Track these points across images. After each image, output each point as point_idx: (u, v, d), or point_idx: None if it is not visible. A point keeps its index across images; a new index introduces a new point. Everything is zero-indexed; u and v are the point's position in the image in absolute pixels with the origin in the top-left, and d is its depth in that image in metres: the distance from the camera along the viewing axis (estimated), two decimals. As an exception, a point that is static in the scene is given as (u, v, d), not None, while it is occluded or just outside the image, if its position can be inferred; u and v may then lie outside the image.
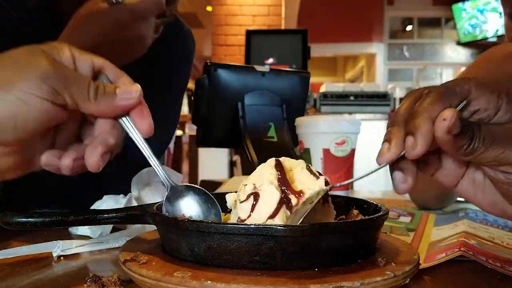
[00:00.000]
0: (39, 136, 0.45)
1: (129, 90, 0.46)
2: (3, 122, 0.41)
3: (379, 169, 0.40)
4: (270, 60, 3.10)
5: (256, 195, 0.42)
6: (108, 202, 0.64)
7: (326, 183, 0.43)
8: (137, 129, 0.46)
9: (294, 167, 0.45)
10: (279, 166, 0.44)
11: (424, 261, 0.48)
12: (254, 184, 0.43)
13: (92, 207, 0.63)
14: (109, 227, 0.59)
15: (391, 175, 0.40)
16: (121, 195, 0.66)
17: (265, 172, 0.43)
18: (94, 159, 0.44)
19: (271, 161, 0.44)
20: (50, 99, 0.42)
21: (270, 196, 0.42)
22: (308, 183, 0.43)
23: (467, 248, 0.48)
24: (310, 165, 0.45)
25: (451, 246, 0.51)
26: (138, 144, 0.46)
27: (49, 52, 0.44)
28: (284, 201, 0.41)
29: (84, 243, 0.54)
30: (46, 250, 0.51)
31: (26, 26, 0.76)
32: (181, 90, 1.04)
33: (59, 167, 0.45)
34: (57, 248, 0.51)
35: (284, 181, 0.43)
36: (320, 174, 0.44)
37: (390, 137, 0.39)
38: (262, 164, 0.45)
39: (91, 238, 0.58)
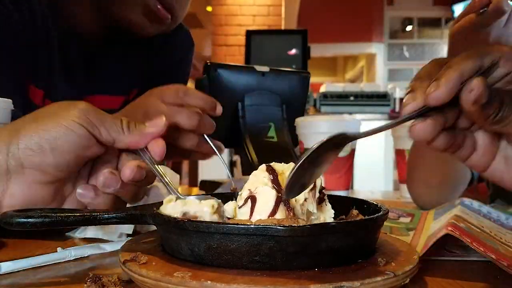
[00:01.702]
0: (74, 171, 0.50)
1: (156, 122, 0.52)
2: (44, 144, 0.46)
3: (403, 121, 0.38)
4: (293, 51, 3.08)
5: (253, 198, 0.43)
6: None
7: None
8: (152, 152, 0.52)
9: (286, 170, 0.46)
10: (270, 170, 0.45)
11: (421, 251, 0.48)
12: (249, 189, 0.44)
13: None
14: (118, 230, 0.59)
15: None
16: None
17: (258, 176, 0.45)
18: (128, 170, 0.50)
19: (262, 166, 0.46)
20: (87, 127, 0.48)
21: (267, 196, 0.43)
22: None
23: (454, 228, 0.48)
24: None
25: (440, 229, 0.51)
26: (151, 167, 0.52)
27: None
28: (281, 199, 0.42)
29: (93, 246, 0.54)
30: (60, 260, 0.50)
31: (29, 31, 0.76)
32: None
33: (91, 201, 0.50)
34: (70, 256, 0.51)
35: (277, 183, 0.44)
36: None
37: (414, 87, 0.38)
38: (254, 172, 0.46)
39: (96, 240, 0.58)
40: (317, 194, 0.46)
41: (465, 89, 0.35)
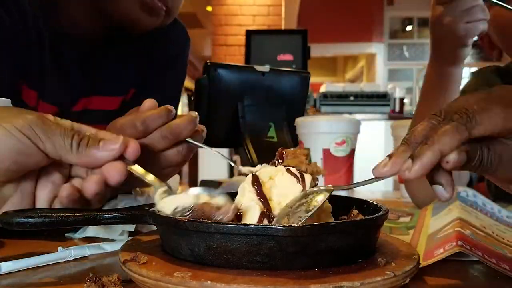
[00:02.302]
0: (15, 177, 0.48)
1: (110, 144, 0.48)
2: None
3: (374, 181, 0.41)
4: (288, 57, 3.07)
5: (239, 217, 0.44)
6: (125, 201, 0.64)
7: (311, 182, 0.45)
8: (107, 176, 0.49)
9: (275, 174, 0.46)
10: (255, 181, 0.45)
11: (424, 258, 0.48)
12: (237, 207, 0.45)
13: (105, 207, 0.63)
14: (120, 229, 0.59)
15: (431, 186, 0.42)
16: (139, 195, 0.65)
17: (245, 190, 0.46)
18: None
19: (249, 178, 0.46)
20: (29, 137, 0.46)
21: (252, 212, 0.44)
22: (288, 188, 0.45)
23: (464, 241, 0.48)
24: (290, 167, 0.47)
25: (448, 239, 0.51)
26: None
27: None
28: (265, 214, 0.43)
29: (94, 245, 0.54)
30: (60, 260, 0.50)
31: (20, 32, 0.75)
32: (178, 87, 1.03)
33: (82, 193, 0.49)
34: (71, 256, 0.51)
35: (262, 195, 0.45)
36: (302, 174, 0.46)
37: (393, 154, 0.40)
38: (242, 184, 0.47)
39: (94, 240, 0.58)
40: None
41: (443, 160, 0.39)
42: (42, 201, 0.50)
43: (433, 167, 0.39)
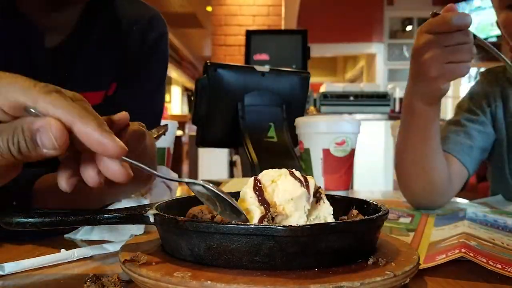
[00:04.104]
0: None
1: (48, 137, 0.39)
2: None
3: None
4: (264, 56, 3.09)
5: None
6: (131, 203, 0.63)
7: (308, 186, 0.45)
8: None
9: (277, 177, 0.46)
10: (256, 186, 0.45)
11: (424, 261, 0.48)
12: None
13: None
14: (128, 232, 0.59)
15: None
16: (141, 197, 0.65)
17: (247, 195, 0.45)
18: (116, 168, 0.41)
19: (251, 182, 0.46)
20: None
21: (252, 215, 0.44)
22: (291, 192, 0.45)
23: (468, 249, 0.48)
24: (293, 170, 0.47)
25: (451, 247, 0.51)
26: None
27: None
28: (266, 216, 0.43)
29: (96, 246, 0.54)
30: (63, 260, 0.50)
31: None
32: (160, 79, 0.97)
33: (84, 181, 0.43)
34: (74, 256, 0.51)
35: (263, 200, 0.44)
36: (306, 178, 0.46)
37: None
38: (243, 188, 0.46)
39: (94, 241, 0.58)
40: (311, 200, 0.46)
41: None
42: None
43: None
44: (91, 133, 0.39)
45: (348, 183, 0.94)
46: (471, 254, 0.47)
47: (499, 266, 0.45)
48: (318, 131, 0.92)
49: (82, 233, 0.60)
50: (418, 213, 0.82)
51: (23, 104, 0.39)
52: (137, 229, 0.60)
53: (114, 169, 0.41)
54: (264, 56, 3.10)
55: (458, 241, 0.54)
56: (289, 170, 0.47)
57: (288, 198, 0.44)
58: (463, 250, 0.47)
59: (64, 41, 0.81)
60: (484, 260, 0.46)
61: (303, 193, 0.45)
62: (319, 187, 0.47)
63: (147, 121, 0.96)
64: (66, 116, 0.39)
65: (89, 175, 0.41)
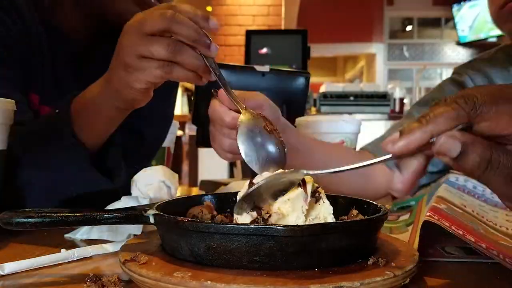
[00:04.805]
0: None
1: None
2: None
3: (375, 163, 0.40)
4: (264, 50, 3.10)
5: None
6: (131, 203, 0.63)
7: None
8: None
9: None
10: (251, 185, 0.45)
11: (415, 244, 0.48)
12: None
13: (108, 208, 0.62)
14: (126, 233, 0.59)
15: (392, 168, 0.40)
16: (141, 196, 0.65)
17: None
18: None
19: (246, 186, 0.46)
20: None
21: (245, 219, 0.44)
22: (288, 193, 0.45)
23: (434, 212, 0.48)
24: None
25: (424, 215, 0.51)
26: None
27: None
28: (256, 220, 0.43)
29: (96, 246, 0.54)
30: (63, 260, 0.50)
31: (16, 28, 0.75)
32: (171, 85, 0.99)
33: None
34: (73, 256, 0.51)
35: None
36: (303, 179, 0.45)
37: (404, 129, 0.38)
38: (240, 192, 0.47)
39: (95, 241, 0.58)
40: (309, 199, 0.46)
41: (434, 142, 0.36)
42: None
43: (420, 147, 0.36)
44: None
45: (347, 183, 0.94)
46: (436, 217, 0.46)
47: (460, 232, 0.44)
48: (318, 131, 0.92)
49: (82, 233, 0.61)
50: (415, 204, 0.82)
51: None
52: (136, 229, 0.60)
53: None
54: (266, 50, 3.11)
55: (429, 206, 0.53)
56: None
57: (285, 199, 0.44)
58: (427, 214, 0.47)
59: (84, 49, 0.83)
60: (447, 224, 0.45)
61: (300, 193, 0.44)
62: (318, 187, 0.47)
63: (160, 123, 0.98)
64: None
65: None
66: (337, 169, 0.42)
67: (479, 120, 0.36)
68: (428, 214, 0.47)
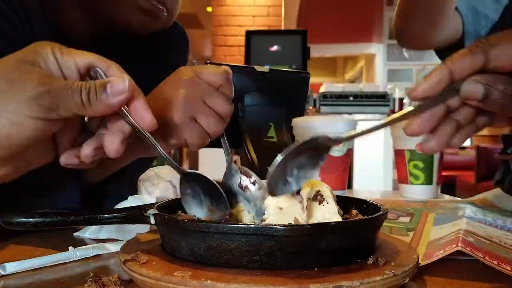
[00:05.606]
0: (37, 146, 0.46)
1: (119, 84, 0.45)
2: None
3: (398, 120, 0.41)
4: (275, 48, 3.10)
5: None
6: (136, 203, 0.63)
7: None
8: (138, 124, 0.47)
9: None
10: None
11: (423, 259, 0.48)
12: None
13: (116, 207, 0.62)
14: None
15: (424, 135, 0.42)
16: (148, 196, 0.65)
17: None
18: (114, 146, 0.47)
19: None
20: (43, 117, 0.43)
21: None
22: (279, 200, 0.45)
23: (465, 244, 0.48)
24: None
25: (449, 243, 0.51)
26: (142, 133, 0.48)
27: (36, 64, 0.44)
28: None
29: (98, 246, 0.54)
30: (64, 260, 0.50)
31: (24, 30, 0.75)
32: None
33: (79, 160, 0.48)
34: (75, 256, 0.51)
35: None
36: None
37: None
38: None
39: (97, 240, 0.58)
40: (305, 204, 0.46)
41: (460, 89, 0.38)
42: (62, 146, 0.49)
43: (443, 87, 0.39)
44: (142, 104, 0.47)
45: (344, 182, 0.95)
46: (468, 249, 0.47)
47: (495, 262, 0.45)
48: (314, 132, 0.93)
49: (90, 232, 0.61)
50: (418, 212, 0.82)
51: (96, 67, 0.47)
52: (144, 228, 0.60)
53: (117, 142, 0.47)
54: (276, 48, 3.12)
55: (456, 237, 0.54)
56: None
57: (282, 201, 0.45)
58: (460, 245, 0.47)
59: (90, 47, 0.84)
60: (481, 255, 0.46)
61: (294, 202, 0.45)
62: (319, 190, 0.47)
63: None
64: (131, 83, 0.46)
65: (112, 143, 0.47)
66: (359, 131, 0.44)
67: (495, 59, 0.38)
68: (460, 245, 0.47)
